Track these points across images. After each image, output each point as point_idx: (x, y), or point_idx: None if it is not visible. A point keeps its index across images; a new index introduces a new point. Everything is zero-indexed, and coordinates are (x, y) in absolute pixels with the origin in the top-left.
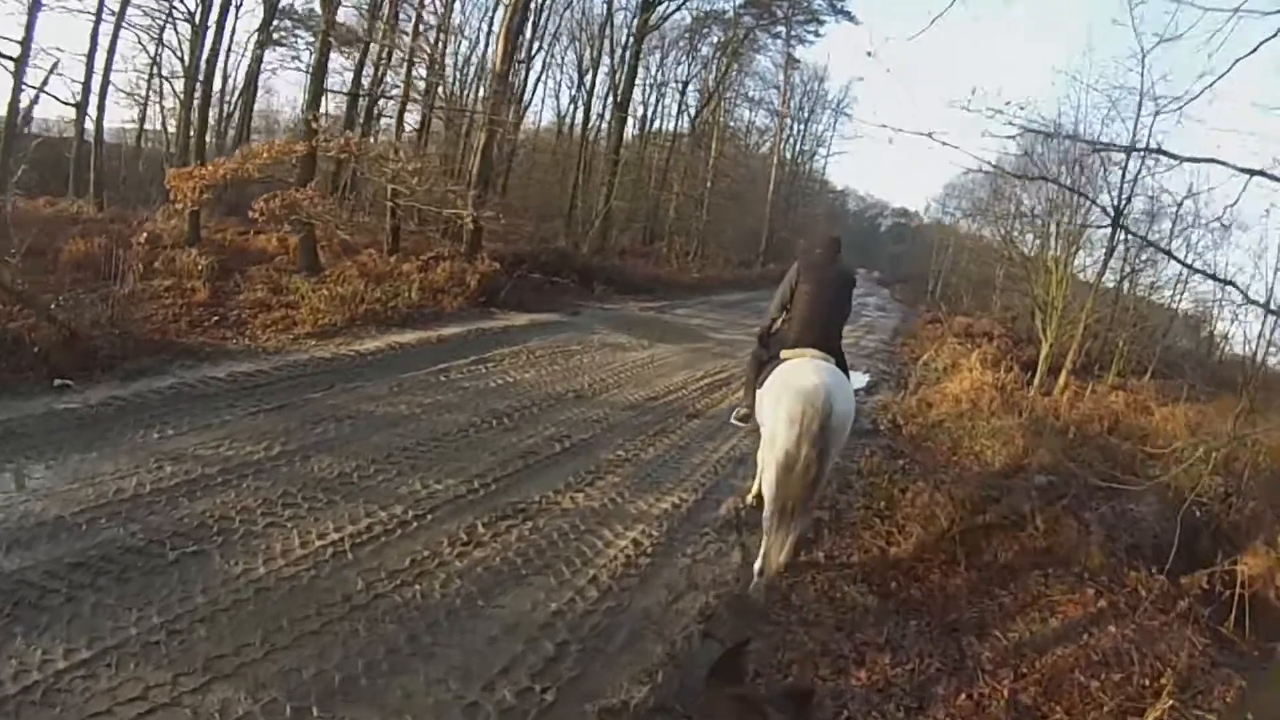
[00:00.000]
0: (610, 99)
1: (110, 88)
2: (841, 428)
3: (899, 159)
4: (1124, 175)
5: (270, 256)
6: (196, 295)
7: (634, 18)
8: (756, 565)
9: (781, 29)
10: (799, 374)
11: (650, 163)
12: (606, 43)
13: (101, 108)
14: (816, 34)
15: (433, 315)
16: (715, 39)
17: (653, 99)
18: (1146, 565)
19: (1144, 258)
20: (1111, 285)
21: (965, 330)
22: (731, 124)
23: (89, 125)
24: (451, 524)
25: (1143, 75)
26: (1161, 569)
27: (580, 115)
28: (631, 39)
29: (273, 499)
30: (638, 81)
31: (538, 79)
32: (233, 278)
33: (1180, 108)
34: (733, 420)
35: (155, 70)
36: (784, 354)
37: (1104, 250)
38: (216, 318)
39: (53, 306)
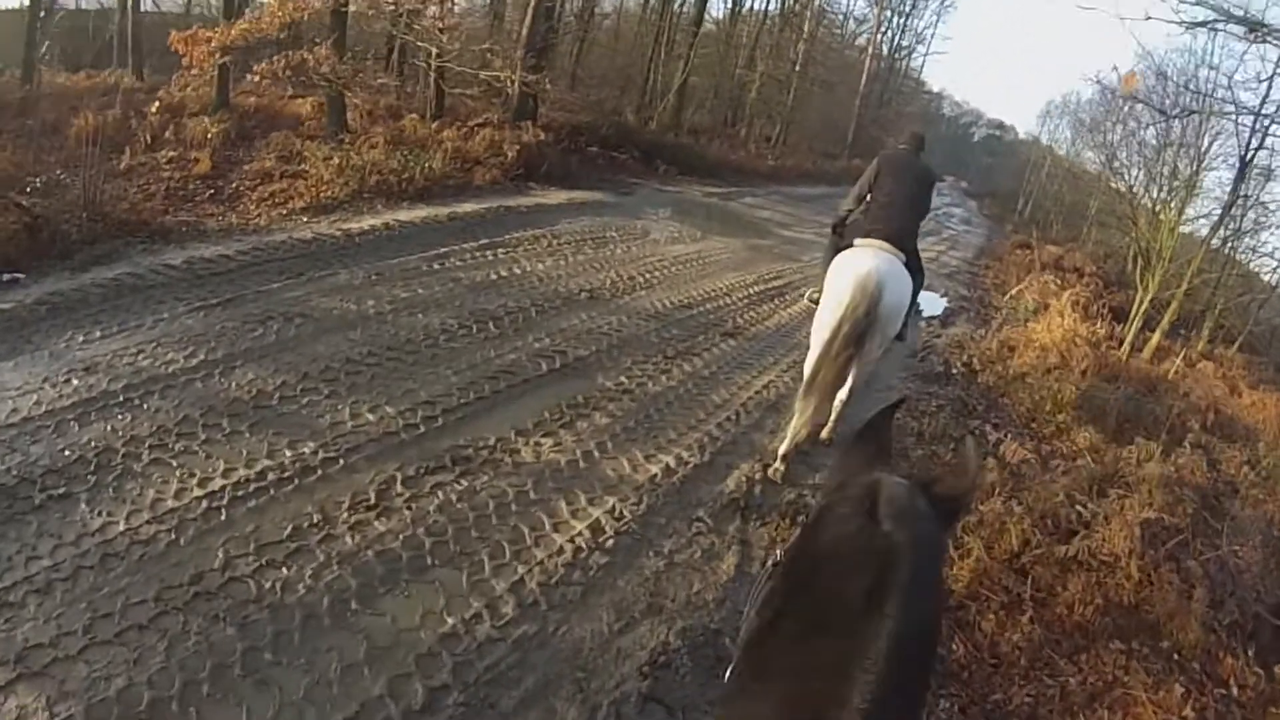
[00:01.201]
0: None
1: None
2: (889, 317)
3: (1001, 69)
4: (1256, 121)
5: (301, 121)
6: (197, 166)
7: None
8: (781, 448)
9: None
10: (858, 258)
11: (738, 42)
12: None
13: None
14: None
15: (456, 189)
16: None
17: None
18: (1244, 644)
19: (1254, 218)
20: (1219, 243)
21: (1055, 262)
22: (828, 8)
23: None
24: (365, 475)
25: None
26: (1259, 651)
27: None
28: None
29: (169, 426)
30: None
31: None
32: (250, 145)
33: None
34: (807, 299)
35: None
36: (856, 242)
37: (1221, 203)
38: (212, 191)
39: (27, 190)
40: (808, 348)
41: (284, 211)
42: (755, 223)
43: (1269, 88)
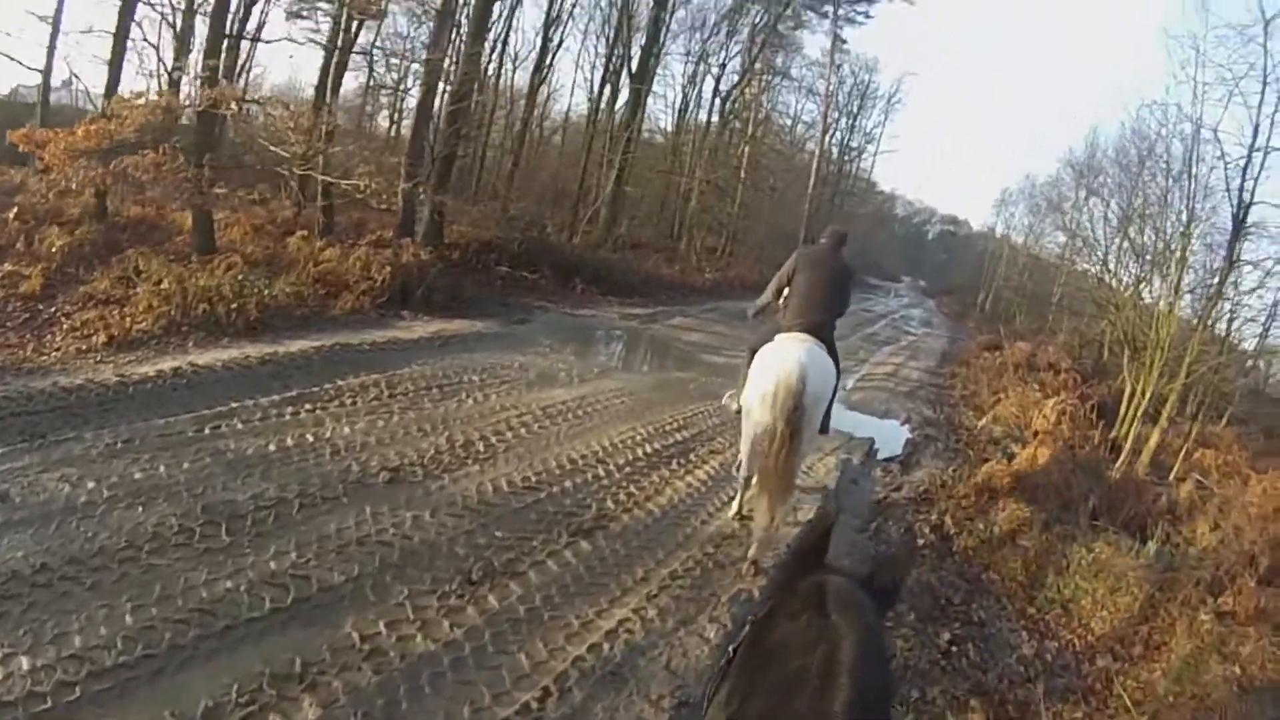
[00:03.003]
0: (626, 69)
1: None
2: (815, 405)
3: (952, 163)
4: (1244, 175)
5: (175, 234)
6: (25, 286)
7: None
8: (751, 553)
9: (829, 7)
10: (778, 352)
11: (682, 152)
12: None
13: (49, 70)
14: (867, 15)
15: (303, 320)
16: (758, 20)
17: (693, 91)
18: None
19: (1247, 288)
20: (1221, 321)
21: (1028, 360)
22: (776, 114)
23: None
24: None
25: (1265, 50)
26: None
27: (607, 95)
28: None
29: None
30: (677, 74)
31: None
32: (106, 261)
33: None
34: (724, 401)
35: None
36: (777, 336)
37: (1216, 273)
38: (28, 315)
39: None
40: (705, 538)
41: (84, 346)
42: (677, 349)
43: (1254, 133)
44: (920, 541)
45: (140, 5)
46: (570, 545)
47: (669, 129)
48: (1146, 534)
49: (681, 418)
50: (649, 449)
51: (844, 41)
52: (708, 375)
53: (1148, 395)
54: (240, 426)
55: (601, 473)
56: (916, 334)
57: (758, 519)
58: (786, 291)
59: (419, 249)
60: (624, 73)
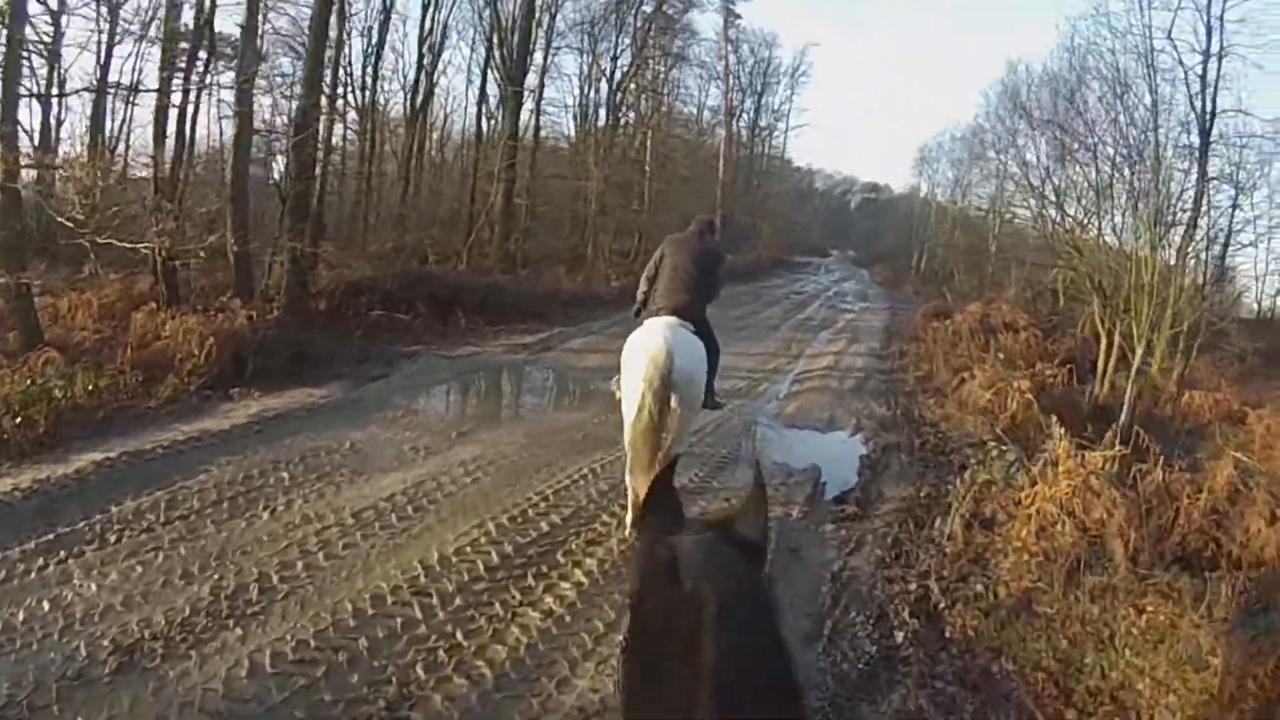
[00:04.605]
0: (502, 74)
1: None
2: (687, 381)
3: (864, 130)
4: (1204, 83)
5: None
6: None
7: None
8: (628, 519)
9: None
10: (646, 334)
11: (586, 156)
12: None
13: None
14: None
15: (104, 422)
16: (645, 6)
17: (590, 91)
18: None
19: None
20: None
21: (982, 323)
22: (679, 103)
23: None
24: None
25: None
26: None
27: (495, 106)
28: None
29: None
30: (573, 75)
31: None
32: None
33: None
34: (611, 386)
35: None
36: (645, 320)
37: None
38: None
39: None
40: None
41: None
42: (572, 380)
43: (1208, 36)
44: (899, 636)
45: None
46: None
47: (570, 135)
48: (1191, 559)
49: (553, 490)
50: (498, 555)
51: (738, 17)
52: (603, 412)
53: (1139, 349)
54: None
55: (418, 613)
56: (854, 310)
57: (630, 496)
58: (655, 277)
59: (253, 309)
60: (503, 78)
